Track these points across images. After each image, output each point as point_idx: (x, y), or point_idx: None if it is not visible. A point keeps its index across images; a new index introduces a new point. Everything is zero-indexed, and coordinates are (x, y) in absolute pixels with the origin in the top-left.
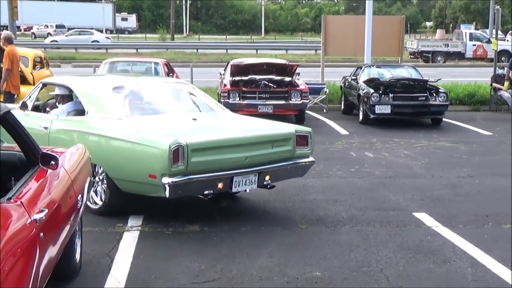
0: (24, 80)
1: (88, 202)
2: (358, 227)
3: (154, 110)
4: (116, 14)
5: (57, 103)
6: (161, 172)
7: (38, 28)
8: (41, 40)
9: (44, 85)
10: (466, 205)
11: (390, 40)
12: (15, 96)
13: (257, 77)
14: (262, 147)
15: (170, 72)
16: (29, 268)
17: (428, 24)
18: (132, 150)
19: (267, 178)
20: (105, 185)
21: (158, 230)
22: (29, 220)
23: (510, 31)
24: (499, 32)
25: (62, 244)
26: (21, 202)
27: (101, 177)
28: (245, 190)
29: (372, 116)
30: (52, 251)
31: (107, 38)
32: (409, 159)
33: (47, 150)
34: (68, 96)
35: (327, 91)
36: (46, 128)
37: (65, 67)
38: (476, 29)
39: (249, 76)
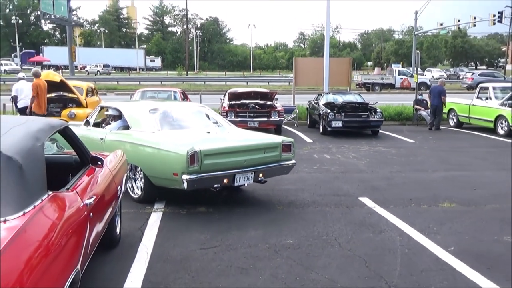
0: (79, 104)
1: (131, 193)
2: (319, 208)
3: (179, 126)
4: (146, 57)
5: (110, 121)
6: (181, 171)
7: (90, 67)
8: (92, 76)
9: (102, 108)
10: (396, 191)
11: (342, 74)
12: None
13: (247, 101)
14: (257, 153)
15: (185, 98)
16: (82, 238)
17: (369, 63)
18: (160, 155)
19: (260, 175)
20: (143, 181)
21: (176, 211)
22: (82, 204)
23: (426, 69)
24: (419, 69)
25: (106, 222)
26: (76, 191)
27: (140, 175)
28: (244, 184)
29: (329, 129)
30: (99, 227)
31: None
32: (356, 159)
33: (96, 154)
34: (119, 116)
35: (297, 111)
36: (102, 139)
37: (109, 94)
38: (403, 67)
39: (241, 101)
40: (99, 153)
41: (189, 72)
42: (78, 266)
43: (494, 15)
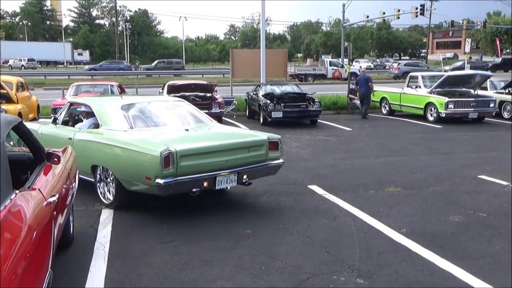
0: (9, 100)
1: (102, 198)
2: (272, 198)
3: (153, 123)
4: (74, 50)
5: (80, 119)
6: (154, 175)
7: (13, 61)
8: (16, 70)
9: (72, 104)
10: (343, 178)
11: (278, 66)
12: None
13: (187, 93)
14: (240, 152)
15: (122, 91)
16: (50, 238)
17: (299, 55)
18: (132, 156)
19: (245, 177)
20: (114, 185)
21: (127, 207)
22: (46, 202)
23: (354, 60)
24: (346, 60)
25: (65, 219)
26: (38, 189)
27: (111, 178)
28: (227, 187)
29: (269, 119)
30: (61, 224)
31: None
32: (299, 148)
33: (49, 150)
34: (90, 113)
35: (236, 103)
36: (70, 138)
37: (37, 89)
38: (332, 58)
39: (181, 93)
40: (49, 149)
41: None
42: (50, 268)
43: (417, 8)
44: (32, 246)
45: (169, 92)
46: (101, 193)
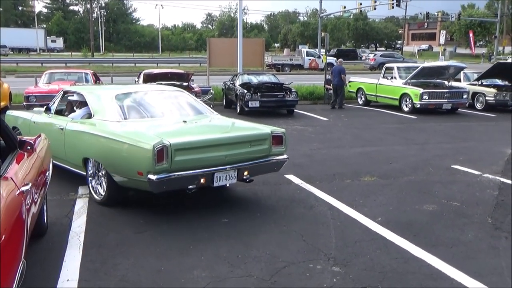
0: None
1: (94, 194)
2: (248, 187)
3: (149, 114)
4: (47, 37)
5: (74, 108)
6: (146, 170)
7: None
8: None
9: (65, 92)
10: (319, 168)
11: (255, 55)
12: None
13: (163, 82)
14: (240, 147)
15: (97, 80)
16: (23, 228)
17: (276, 45)
18: (123, 149)
19: (245, 173)
20: (106, 179)
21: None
22: (18, 191)
23: (331, 50)
24: (322, 50)
25: (39, 208)
26: (11, 178)
27: (103, 172)
28: (226, 185)
29: (246, 109)
30: (34, 214)
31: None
32: None
33: (22, 138)
34: (84, 102)
35: (213, 92)
36: (62, 129)
37: (9, 77)
38: (309, 48)
39: (157, 82)
40: (25, 137)
41: (94, 54)
42: (23, 258)
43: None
44: (5, 235)
45: (145, 81)
46: (92, 188)
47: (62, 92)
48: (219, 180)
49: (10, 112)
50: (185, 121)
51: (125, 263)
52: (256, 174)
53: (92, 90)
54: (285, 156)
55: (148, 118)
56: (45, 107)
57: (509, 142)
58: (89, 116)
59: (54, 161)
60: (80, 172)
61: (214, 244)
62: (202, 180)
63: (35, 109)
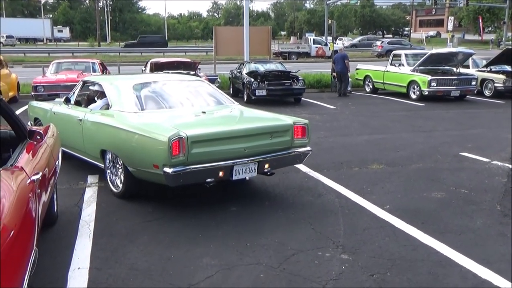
0: None
1: (112, 187)
2: (256, 175)
3: (167, 105)
4: (54, 27)
5: (93, 99)
6: (162, 163)
7: None
8: None
9: (85, 83)
10: (327, 156)
11: (262, 44)
12: None
13: (170, 71)
14: (261, 138)
15: (104, 69)
16: (35, 217)
17: (283, 33)
18: (139, 141)
19: (266, 166)
20: (123, 172)
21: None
22: (29, 180)
23: (338, 37)
24: (329, 38)
25: (49, 197)
26: (21, 167)
27: (120, 164)
28: (245, 178)
29: (253, 97)
30: (45, 203)
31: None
32: None
33: (32, 128)
34: (103, 93)
35: (219, 81)
36: (80, 120)
37: (17, 67)
38: (316, 36)
39: (164, 71)
40: (34, 127)
41: (101, 43)
42: (35, 246)
43: None
44: (17, 223)
45: (152, 70)
46: (110, 180)
47: (81, 83)
48: (239, 173)
49: (32, 103)
50: (204, 112)
51: (135, 251)
52: (278, 167)
53: (111, 80)
54: (308, 148)
55: (166, 109)
56: (64, 97)
57: None
58: (107, 107)
59: (74, 153)
60: (98, 164)
61: (223, 232)
62: (220, 174)
63: (56, 99)
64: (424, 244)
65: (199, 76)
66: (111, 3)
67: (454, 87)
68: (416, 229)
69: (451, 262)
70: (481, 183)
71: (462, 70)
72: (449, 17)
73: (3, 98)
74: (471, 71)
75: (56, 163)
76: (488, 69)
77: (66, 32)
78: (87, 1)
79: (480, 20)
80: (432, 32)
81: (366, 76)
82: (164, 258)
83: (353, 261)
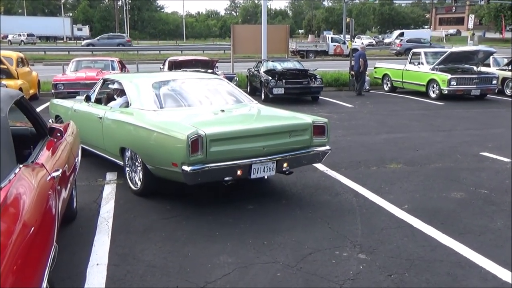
0: (10, 75)
1: (131, 184)
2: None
3: (186, 103)
4: (73, 26)
5: (115, 96)
6: (180, 161)
7: (13, 37)
8: (16, 46)
9: (105, 81)
10: (344, 155)
11: (279, 42)
12: None
13: (188, 70)
14: (279, 137)
15: (123, 67)
16: (55, 213)
17: (301, 31)
18: (157, 139)
19: (285, 165)
20: (142, 170)
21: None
22: (49, 177)
23: (356, 36)
24: (348, 36)
25: (69, 194)
26: (42, 164)
27: (139, 162)
28: (264, 177)
29: (271, 96)
30: (65, 199)
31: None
32: None
33: (53, 125)
34: (123, 91)
35: (237, 79)
36: (100, 118)
37: (37, 65)
38: (334, 34)
39: (182, 69)
40: (54, 124)
41: None
42: (55, 242)
43: None
44: (37, 219)
45: (170, 68)
46: (129, 177)
47: (102, 80)
48: (257, 172)
49: (53, 101)
50: (223, 110)
51: (153, 248)
52: (296, 166)
53: (131, 78)
54: (327, 147)
55: (185, 107)
56: (85, 95)
57: None
58: (127, 105)
59: (94, 150)
60: (118, 161)
61: (240, 230)
62: (238, 172)
63: (77, 97)
64: (443, 245)
65: (217, 75)
66: (129, 1)
67: (475, 86)
68: (435, 229)
69: (471, 263)
70: (502, 183)
71: (483, 69)
72: (470, 15)
73: (24, 96)
74: (492, 69)
75: (76, 160)
76: (510, 68)
77: (85, 31)
78: (106, 0)
79: (502, 18)
80: (452, 30)
81: (385, 75)
82: (181, 256)
83: (370, 261)
